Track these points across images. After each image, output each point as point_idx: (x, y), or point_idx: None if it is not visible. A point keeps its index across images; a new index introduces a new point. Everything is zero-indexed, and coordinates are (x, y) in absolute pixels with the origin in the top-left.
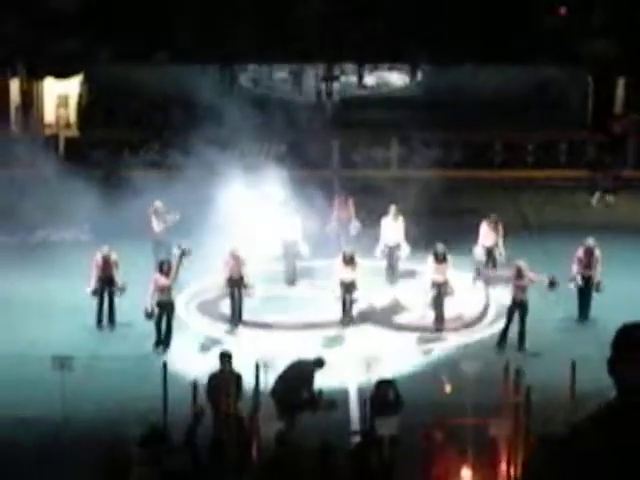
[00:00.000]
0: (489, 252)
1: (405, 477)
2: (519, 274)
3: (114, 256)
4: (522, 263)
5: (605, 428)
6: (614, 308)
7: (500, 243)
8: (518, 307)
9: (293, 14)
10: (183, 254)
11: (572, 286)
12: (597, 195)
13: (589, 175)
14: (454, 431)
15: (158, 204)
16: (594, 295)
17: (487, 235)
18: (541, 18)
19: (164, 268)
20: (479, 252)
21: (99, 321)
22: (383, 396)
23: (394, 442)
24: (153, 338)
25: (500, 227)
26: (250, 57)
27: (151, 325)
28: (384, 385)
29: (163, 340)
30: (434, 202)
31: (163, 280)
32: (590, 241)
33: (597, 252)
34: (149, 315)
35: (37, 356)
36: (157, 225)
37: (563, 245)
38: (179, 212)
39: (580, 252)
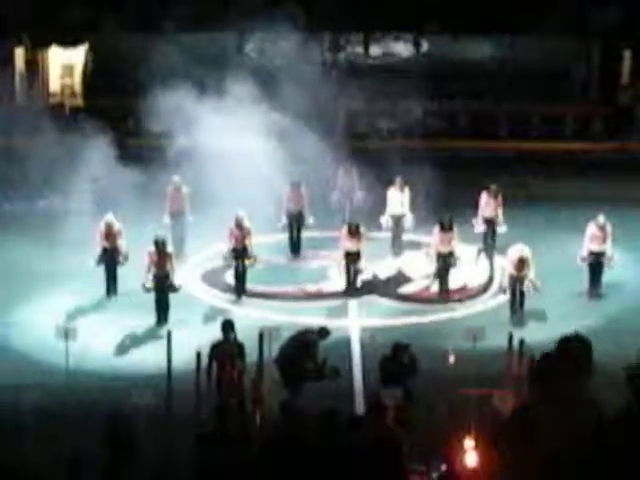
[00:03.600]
0: (489, 223)
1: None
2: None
3: (117, 225)
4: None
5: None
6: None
7: (500, 214)
8: (517, 281)
9: None
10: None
11: (583, 263)
12: None
13: None
14: (457, 403)
15: (176, 178)
16: (605, 270)
17: (487, 206)
18: None
19: (159, 244)
20: (479, 223)
21: (108, 290)
22: (398, 360)
23: (402, 409)
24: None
25: (500, 198)
26: (258, 26)
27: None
28: (400, 349)
29: (162, 313)
30: (438, 172)
31: (155, 256)
32: (601, 217)
33: (608, 227)
34: (147, 290)
35: (41, 325)
36: (174, 199)
37: (565, 217)
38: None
39: (592, 229)
